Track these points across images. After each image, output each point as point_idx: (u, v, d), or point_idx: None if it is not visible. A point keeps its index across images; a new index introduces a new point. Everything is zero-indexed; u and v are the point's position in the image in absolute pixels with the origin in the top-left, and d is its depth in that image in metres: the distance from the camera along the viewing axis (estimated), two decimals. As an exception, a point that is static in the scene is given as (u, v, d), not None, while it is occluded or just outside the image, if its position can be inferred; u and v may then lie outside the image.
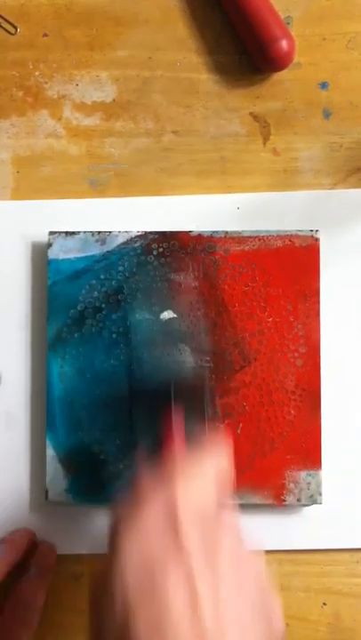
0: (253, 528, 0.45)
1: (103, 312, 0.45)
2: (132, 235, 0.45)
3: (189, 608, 0.28)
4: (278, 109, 0.48)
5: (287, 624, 0.46)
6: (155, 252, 0.45)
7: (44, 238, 0.46)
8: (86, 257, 0.45)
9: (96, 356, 0.45)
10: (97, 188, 0.48)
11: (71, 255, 0.45)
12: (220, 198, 0.48)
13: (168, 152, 0.48)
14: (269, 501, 0.44)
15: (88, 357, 0.45)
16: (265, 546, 0.46)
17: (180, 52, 0.48)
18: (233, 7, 0.47)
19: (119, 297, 0.45)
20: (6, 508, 0.46)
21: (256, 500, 0.44)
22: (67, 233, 0.45)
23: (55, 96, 0.48)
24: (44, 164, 0.48)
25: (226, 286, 0.45)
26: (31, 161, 0.48)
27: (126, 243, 0.45)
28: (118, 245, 0.45)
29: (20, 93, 0.48)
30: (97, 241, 0.45)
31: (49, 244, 0.45)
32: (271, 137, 0.48)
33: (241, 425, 0.45)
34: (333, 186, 0.48)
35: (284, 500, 0.44)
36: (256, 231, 0.45)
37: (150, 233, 0.45)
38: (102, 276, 0.45)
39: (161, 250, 0.45)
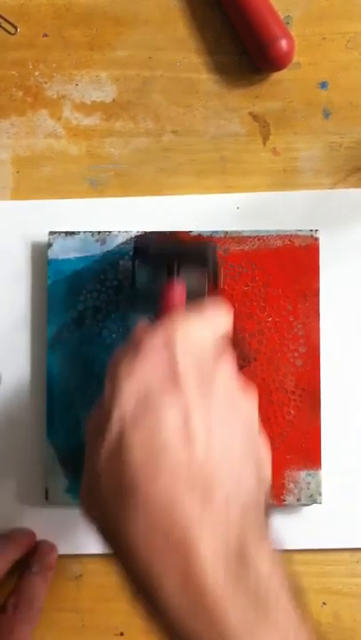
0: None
1: (103, 312, 0.45)
2: (132, 235, 0.45)
3: (182, 432, 0.30)
4: (278, 109, 0.48)
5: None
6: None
7: (44, 238, 0.46)
8: (86, 257, 0.45)
9: (96, 356, 0.45)
10: (97, 187, 0.48)
11: (71, 255, 0.45)
12: (219, 198, 0.48)
13: (168, 152, 0.48)
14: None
15: (88, 357, 0.45)
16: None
17: (180, 51, 0.48)
18: (233, 7, 0.47)
19: (119, 297, 0.45)
20: (6, 508, 0.46)
21: (256, 499, 0.44)
22: (67, 233, 0.45)
23: (55, 96, 0.48)
24: (43, 163, 0.48)
25: (226, 286, 0.45)
26: (31, 161, 0.48)
27: (126, 242, 0.45)
28: (118, 245, 0.45)
29: (20, 93, 0.48)
30: (97, 241, 0.46)
31: (49, 244, 0.45)
32: (271, 137, 0.48)
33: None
34: (333, 186, 0.48)
35: (284, 500, 0.44)
36: (256, 231, 0.45)
37: (150, 233, 0.45)
38: (102, 276, 0.45)
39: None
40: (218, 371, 0.33)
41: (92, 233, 0.45)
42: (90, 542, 0.46)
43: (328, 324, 0.46)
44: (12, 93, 0.48)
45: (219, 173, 0.48)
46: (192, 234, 0.45)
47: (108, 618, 0.46)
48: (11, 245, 0.47)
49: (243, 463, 0.31)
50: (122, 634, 0.46)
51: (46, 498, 0.45)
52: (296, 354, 0.45)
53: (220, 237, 0.45)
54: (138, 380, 0.31)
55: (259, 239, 0.45)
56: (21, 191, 0.48)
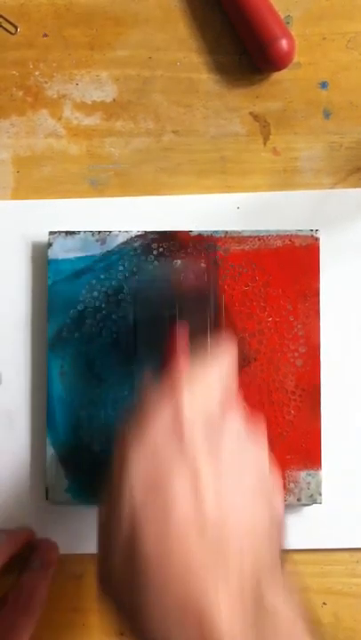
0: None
1: (103, 312, 0.45)
2: (132, 234, 0.45)
3: (193, 499, 0.30)
4: (278, 109, 0.48)
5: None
6: (155, 252, 0.45)
7: (44, 238, 0.46)
8: (86, 257, 0.45)
9: (96, 356, 0.45)
10: (97, 187, 0.48)
11: (71, 255, 0.45)
12: (220, 198, 0.48)
13: (168, 152, 0.48)
14: (269, 501, 0.44)
15: (88, 357, 0.45)
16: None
17: (180, 51, 0.48)
18: (233, 7, 0.47)
19: (119, 297, 0.45)
20: (6, 508, 0.46)
21: (256, 499, 0.44)
22: (67, 233, 0.45)
23: (55, 96, 0.48)
24: (44, 163, 0.48)
25: (226, 286, 0.45)
26: (31, 161, 0.48)
27: (126, 242, 0.45)
28: (118, 245, 0.45)
29: (20, 93, 0.48)
30: (97, 241, 0.46)
31: (49, 244, 0.45)
32: (271, 137, 0.48)
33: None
34: (333, 185, 0.48)
35: (284, 500, 0.44)
36: (256, 231, 0.45)
37: (150, 233, 0.45)
38: (102, 276, 0.45)
39: (161, 249, 0.45)
40: (226, 424, 0.33)
41: (92, 233, 0.45)
42: (90, 542, 0.46)
43: (328, 324, 0.46)
44: (12, 93, 0.48)
45: (219, 173, 0.48)
46: (192, 234, 0.45)
47: (109, 618, 0.46)
48: (11, 245, 0.47)
49: (255, 509, 0.32)
50: (122, 634, 0.46)
51: (46, 497, 0.45)
52: (296, 354, 0.45)
53: (221, 237, 0.45)
54: (147, 462, 0.31)
55: (259, 239, 0.45)
56: (21, 191, 0.48)
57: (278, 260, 0.45)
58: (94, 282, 0.45)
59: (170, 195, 0.48)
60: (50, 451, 0.45)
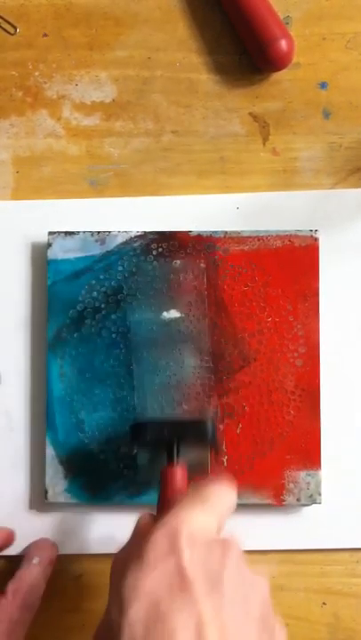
0: (253, 528, 0.45)
1: (103, 312, 0.45)
2: (132, 235, 0.45)
3: (196, 638, 0.29)
4: (278, 109, 0.48)
5: (287, 624, 0.46)
6: (154, 252, 0.45)
7: (44, 238, 0.46)
8: (86, 257, 0.45)
9: (96, 356, 0.45)
10: (96, 187, 0.48)
11: (71, 255, 0.45)
12: (219, 198, 0.48)
13: (167, 152, 0.48)
14: (269, 501, 0.44)
15: (88, 357, 0.45)
16: (265, 546, 0.46)
17: (179, 52, 0.48)
18: (233, 7, 0.47)
19: (119, 297, 0.45)
20: (6, 508, 0.46)
21: (256, 499, 0.44)
22: (66, 233, 0.45)
23: (55, 96, 0.48)
24: (43, 164, 0.48)
25: (226, 286, 0.45)
26: (31, 161, 0.48)
27: (126, 243, 0.45)
28: (118, 245, 0.45)
29: (20, 93, 0.48)
30: (96, 241, 0.46)
31: (49, 244, 0.45)
32: (271, 137, 0.48)
33: (241, 425, 0.45)
34: (333, 186, 0.48)
35: (284, 500, 0.44)
36: (256, 231, 0.45)
37: (150, 233, 0.45)
38: (102, 276, 0.45)
39: (160, 250, 0.45)
40: (226, 565, 0.32)
41: (92, 233, 0.46)
42: (90, 542, 0.46)
43: (328, 324, 0.46)
44: (11, 93, 0.49)
45: (219, 173, 0.48)
46: (191, 234, 0.45)
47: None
48: (11, 245, 0.47)
49: (259, 636, 0.31)
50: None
51: (46, 498, 0.45)
52: (296, 354, 0.45)
53: (220, 237, 0.45)
54: (145, 598, 0.30)
55: (259, 239, 0.45)
56: (21, 191, 0.48)
57: (278, 260, 0.45)
58: (94, 282, 0.45)
59: (169, 195, 0.48)
60: (49, 451, 0.45)
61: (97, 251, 0.45)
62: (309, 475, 0.44)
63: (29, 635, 0.42)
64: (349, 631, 0.46)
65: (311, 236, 0.45)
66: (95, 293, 0.45)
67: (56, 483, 0.45)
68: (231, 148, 0.48)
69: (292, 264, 0.45)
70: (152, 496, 0.44)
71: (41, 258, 0.47)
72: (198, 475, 0.40)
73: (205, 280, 0.45)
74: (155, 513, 0.37)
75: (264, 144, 0.48)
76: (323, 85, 0.48)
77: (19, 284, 0.47)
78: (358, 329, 0.47)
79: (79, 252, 0.45)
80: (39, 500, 0.46)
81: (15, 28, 0.48)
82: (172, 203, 0.48)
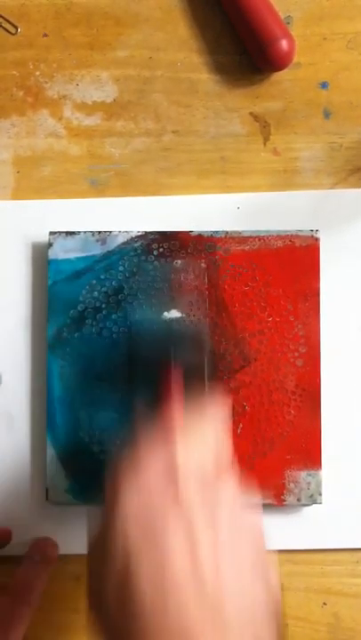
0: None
1: (103, 312, 0.45)
2: (133, 235, 0.45)
3: (189, 556, 0.29)
4: (278, 109, 0.48)
5: (287, 624, 0.46)
6: (155, 252, 0.45)
7: (44, 238, 0.46)
8: (86, 257, 0.45)
9: (96, 356, 0.45)
10: (97, 187, 0.48)
11: (71, 255, 0.45)
12: (220, 198, 0.48)
13: (168, 152, 0.48)
14: (269, 501, 0.44)
15: (88, 357, 0.45)
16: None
17: (180, 52, 0.48)
18: (233, 7, 0.47)
19: (119, 297, 0.45)
20: (6, 508, 0.46)
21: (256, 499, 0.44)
22: (67, 233, 0.45)
23: (55, 96, 0.48)
24: (44, 163, 0.48)
25: (226, 286, 0.45)
26: (31, 161, 0.48)
27: (126, 243, 0.45)
28: (118, 245, 0.45)
29: (21, 93, 0.48)
30: (97, 241, 0.46)
31: (49, 244, 0.45)
32: (271, 137, 0.48)
33: (241, 425, 0.45)
34: (334, 186, 0.48)
35: (284, 500, 0.44)
36: (256, 231, 0.45)
37: (150, 233, 0.45)
38: (102, 276, 0.45)
39: (161, 250, 0.45)
40: (221, 491, 0.32)
41: (93, 233, 0.45)
42: (90, 542, 0.46)
43: (328, 324, 0.46)
44: (12, 93, 0.48)
45: (219, 173, 0.48)
46: (192, 234, 0.45)
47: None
48: (11, 245, 0.47)
49: (252, 581, 0.31)
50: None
51: (46, 498, 0.45)
52: (296, 354, 0.45)
53: (221, 237, 0.45)
54: (140, 507, 0.30)
55: (259, 239, 0.45)
56: (22, 191, 0.48)
57: (279, 260, 0.45)
58: (94, 282, 0.45)
59: (170, 195, 0.48)
60: (50, 451, 0.45)
61: (98, 251, 0.45)
62: (310, 474, 0.44)
63: (29, 635, 0.42)
64: (350, 631, 0.46)
65: (312, 235, 0.45)
66: (96, 293, 0.45)
67: (57, 483, 0.45)
68: (232, 147, 0.48)
69: (292, 264, 0.45)
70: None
71: (41, 258, 0.47)
72: (194, 381, 0.40)
73: (206, 280, 0.45)
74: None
75: (265, 144, 0.48)
76: (323, 85, 0.48)
77: (19, 283, 0.47)
78: (359, 329, 0.47)
79: (80, 252, 0.45)
80: (40, 499, 0.46)
81: (16, 27, 0.48)
82: (172, 203, 0.48)
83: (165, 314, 0.45)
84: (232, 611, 0.29)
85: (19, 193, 0.48)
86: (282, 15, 0.47)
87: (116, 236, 0.45)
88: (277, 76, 0.48)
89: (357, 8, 0.48)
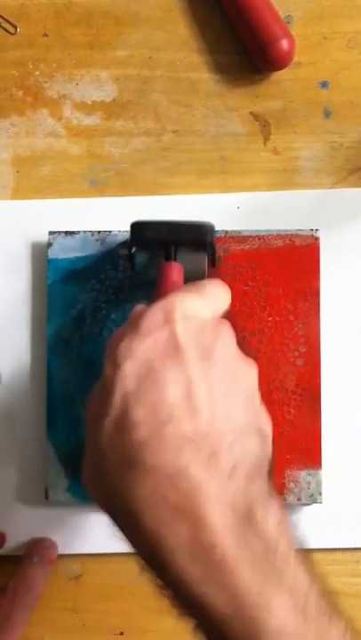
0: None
1: (103, 312, 0.45)
2: (132, 234, 0.45)
3: (185, 404, 0.30)
4: (278, 109, 0.48)
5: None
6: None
7: (44, 238, 0.46)
8: (86, 257, 0.45)
9: (96, 356, 0.45)
10: (97, 187, 0.48)
11: (71, 255, 0.45)
12: (220, 198, 0.48)
13: (168, 152, 0.48)
14: (270, 501, 0.44)
15: (88, 357, 0.45)
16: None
17: (180, 51, 0.48)
18: (233, 7, 0.47)
19: (119, 297, 0.45)
20: (6, 507, 0.46)
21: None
22: (67, 232, 0.45)
23: (55, 96, 0.48)
24: (44, 163, 0.48)
25: (226, 286, 0.45)
26: (31, 160, 0.48)
27: (126, 242, 0.45)
28: (118, 245, 0.45)
29: (20, 93, 0.48)
30: (97, 240, 0.45)
31: (49, 244, 0.45)
32: (271, 136, 0.48)
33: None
34: (334, 185, 0.48)
35: (285, 500, 0.44)
36: (256, 231, 0.45)
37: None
38: (102, 276, 0.45)
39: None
40: (218, 343, 0.33)
41: (92, 232, 0.45)
42: (90, 542, 0.46)
43: (328, 324, 0.46)
44: (12, 93, 0.48)
45: (219, 173, 0.48)
46: (192, 233, 0.45)
47: (108, 618, 0.46)
48: (11, 245, 0.47)
49: (246, 431, 0.32)
50: (122, 634, 0.46)
51: (46, 497, 0.45)
52: (296, 353, 0.45)
53: (221, 237, 0.45)
54: (139, 357, 0.31)
55: (259, 239, 0.45)
56: (21, 191, 0.48)
57: (279, 259, 0.45)
58: (94, 282, 0.45)
59: (170, 195, 0.48)
60: (50, 451, 0.45)
61: (97, 250, 0.45)
62: (310, 474, 0.44)
63: (29, 635, 0.42)
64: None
65: (312, 235, 0.45)
66: (95, 293, 0.45)
67: (57, 482, 0.45)
68: (232, 147, 0.48)
69: (292, 263, 0.45)
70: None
71: (41, 257, 0.47)
72: (194, 279, 0.40)
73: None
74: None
75: (265, 143, 0.48)
76: (324, 85, 0.48)
77: (19, 283, 0.47)
78: (359, 329, 0.47)
79: (79, 252, 0.45)
80: (40, 499, 0.46)
81: (15, 27, 0.48)
82: (172, 202, 0.47)
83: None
84: (225, 449, 0.30)
85: (18, 193, 0.48)
86: (282, 15, 0.47)
87: (116, 235, 0.45)
88: (277, 76, 0.48)
89: (357, 7, 0.48)
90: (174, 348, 0.31)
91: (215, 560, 0.28)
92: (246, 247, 0.45)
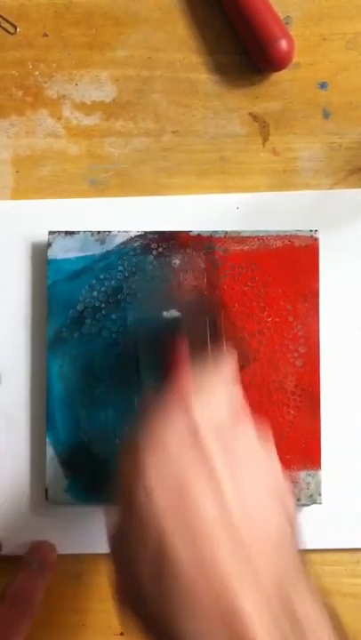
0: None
1: (103, 312, 0.45)
2: (132, 234, 0.45)
3: (217, 502, 0.30)
4: (278, 109, 0.48)
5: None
6: (154, 252, 0.45)
7: (44, 238, 0.46)
8: (86, 257, 0.45)
9: (96, 356, 0.45)
10: (97, 187, 0.48)
11: (71, 255, 0.45)
12: (219, 198, 0.48)
13: (168, 152, 0.48)
14: (269, 501, 0.44)
15: (88, 357, 0.45)
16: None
17: (179, 52, 0.48)
18: (233, 7, 0.47)
19: (119, 297, 0.45)
20: (6, 508, 0.46)
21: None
22: (66, 233, 0.45)
23: (55, 96, 0.48)
24: (43, 163, 0.48)
25: (225, 286, 0.45)
26: (31, 161, 0.48)
27: (126, 242, 0.45)
28: (118, 245, 0.45)
29: (20, 93, 0.48)
30: (97, 241, 0.45)
31: (49, 244, 0.45)
32: (271, 137, 0.48)
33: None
34: (333, 186, 0.48)
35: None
36: (256, 231, 0.45)
37: (150, 233, 0.45)
38: (102, 276, 0.45)
39: (160, 250, 0.45)
40: (237, 430, 0.33)
41: (92, 233, 0.45)
42: (90, 542, 0.46)
43: (328, 324, 0.46)
44: (11, 93, 0.48)
45: (219, 173, 0.48)
46: (192, 234, 0.45)
47: (108, 618, 0.46)
48: (11, 245, 0.47)
49: (273, 511, 0.32)
50: (122, 634, 0.46)
51: (46, 498, 0.45)
52: (296, 354, 0.45)
53: (220, 237, 0.45)
54: (164, 466, 0.31)
55: (258, 239, 0.45)
56: (21, 191, 0.48)
57: (278, 260, 0.45)
58: (94, 282, 0.45)
59: (169, 195, 0.48)
60: (50, 451, 0.45)
61: (97, 250, 0.45)
62: (309, 475, 0.44)
63: (29, 634, 0.42)
64: (350, 631, 0.46)
65: (311, 236, 0.45)
66: (95, 293, 0.45)
67: (56, 483, 0.45)
68: (231, 148, 0.48)
69: (292, 264, 0.45)
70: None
71: (41, 258, 0.47)
72: (198, 345, 0.41)
73: (205, 280, 0.45)
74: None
75: (264, 144, 0.48)
76: (323, 85, 0.48)
77: (19, 283, 0.47)
78: (359, 329, 0.47)
79: (79, 252, 0.45)
80: (39, 499, 0.46)
81: (15, 27, 0.48)
82: (172, 203, 0.48)
83: (165, 313, 0.45)
84: (257, 541, 0.30)
85: (18, 193, 0.48)
86: (281, 15, 0.47)
87: (116, 235, 0.45)
88: (277, 76, 0.48)
89: (357, 8, 0.48)
90: (200, 452, 0.31)
91: None
92: (246, 248, 0.45)
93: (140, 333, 0.44)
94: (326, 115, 0.48)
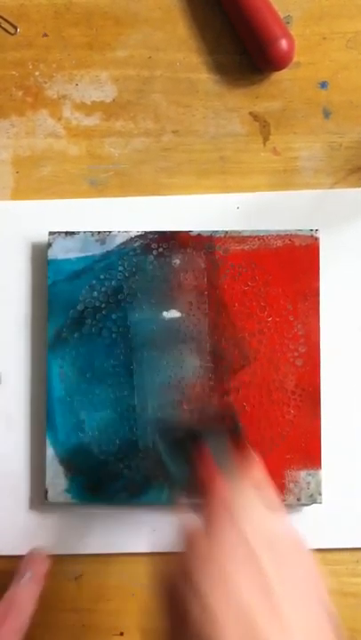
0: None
1: (103, 312, 0.45)
2: (132, 234, 0.45)
3: (266, 603, 0.30)
4: (278, 109, 0.48)
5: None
6: (154, 252, 0.45)
7: (44, 238, 0.46)
8: (86, 257, 0.45)
9: (96, 356, 0.45)
10: (97, 187, 0.48)
11: (71, 255, 0.45)
12: (219, 198, 0.48)
13: (168, 152, 0.48)
14: (269, 501, 0.44)
15: (88, 357, 0.45)
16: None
17: (179, 51, 0.48)
18: (233, 7, 0.47)
19: (119, 297, 0.45)
20: (6, 508, 0.46)
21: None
22: (66, 233, 0.45)
23: (55, 96, 0.48)
24: (43, 163, 0.48)
25: (226, 286, 0.45)
26: (31, 161, 0.48)
27: (126, 242, 0.45)
28: (118, 245, 0.45)
29: (20, 93, 0.48)
30: (97, 241, 0.46)
31: (49, 244, 0.45)
32: (271, 136, 0.48)
33: (241, 425, 0.45)
34: (333, 185, 0.48)
35: (284, 500, 0.44)
36: (256, 231, 0.45)
37: (150, 233, 0.45)
38: (102, 276, 0.45)
39: (161, 250, 0.45)
40: (283, 536, 0.33)
41: (92, 233, 0.45)
42: (90, 542, 0.46)
43: (328, 324, 0.46)
44: (11, 93, 0.49)
45: (219, 173, 0.48)
46: (192, 234, 0.45)
47: (108, 618, 0.46)
48: (11, 245, 0.47)
49: (317, 612, 0.32)
50: (122, 634, 0.46)
51: (46, 498, 0.45)
52: (296, 353, 0.45)
53: (221, 237, 0.45)
54: (232, 602, 0.30)
55: (259, 239, 0.45)
56: (21, 191, 0.48)
57: (278, 259, 0.45)
58: (94, 282, 0.45)
59: (170, 195, 0.48)
60: (49, 451, 0.45)
61: (97, 251, 0.45)
62: (310, 474, 0.44)
63: (29, 634, 0.42)
64: (350, 631, 0.46)
65: (311, 235, 0.45)
66: (95, 293, 0.45)
67: (56, 483, 0.45)
68: (231, 147, 0.48)
69: (292, 263, 0.45)
70: (152, 495, 0.44)
71: (41, 258, 0.47)
72: (221, 457, 0.40)
73: (206, 280, 0.45)
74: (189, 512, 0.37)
75: (264, 144, 0.48)
76: (323, 85, 0.48)
77: (19, 283, 0.47)
78: (359, 329, 0.47)
79: (79, 252, 0.45)
80: (39, 499, 0.46)
81: (15, 27, 0.48)
82: (172, 202, 0.48)
83: (165, 313, 0.45)
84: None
85: (18, 193, 0.48)
86: (281, 15, 0.47)
87: (116, 235, 0.45)
88: (277, 76, 0.48)
89: (357, 7, 0.48)
90: (259, 575, 0.31)
91: None
92: (246, 247, 0.45)
93: (159, 426, 0.45)
94: (327, 114, 0.48)
